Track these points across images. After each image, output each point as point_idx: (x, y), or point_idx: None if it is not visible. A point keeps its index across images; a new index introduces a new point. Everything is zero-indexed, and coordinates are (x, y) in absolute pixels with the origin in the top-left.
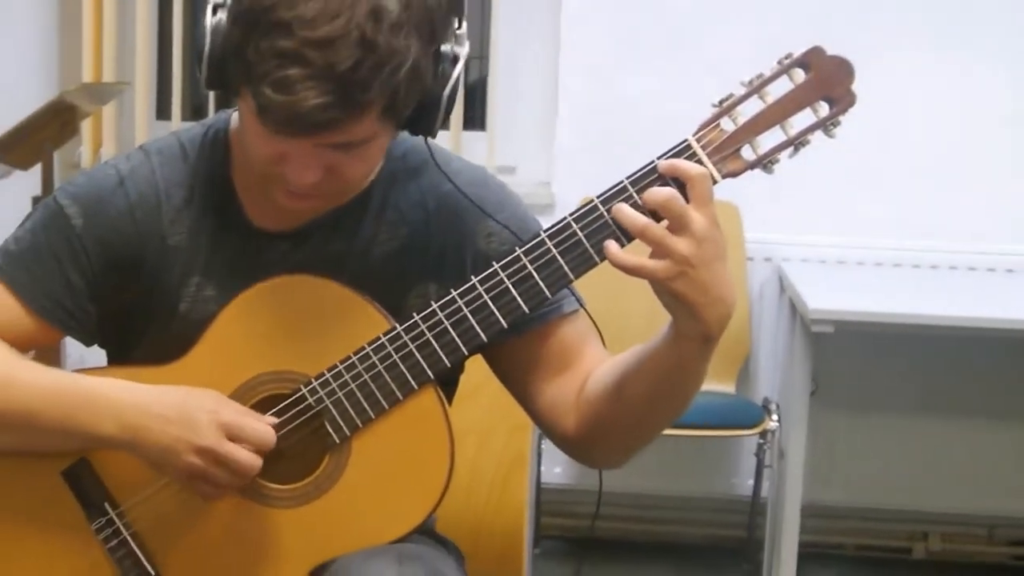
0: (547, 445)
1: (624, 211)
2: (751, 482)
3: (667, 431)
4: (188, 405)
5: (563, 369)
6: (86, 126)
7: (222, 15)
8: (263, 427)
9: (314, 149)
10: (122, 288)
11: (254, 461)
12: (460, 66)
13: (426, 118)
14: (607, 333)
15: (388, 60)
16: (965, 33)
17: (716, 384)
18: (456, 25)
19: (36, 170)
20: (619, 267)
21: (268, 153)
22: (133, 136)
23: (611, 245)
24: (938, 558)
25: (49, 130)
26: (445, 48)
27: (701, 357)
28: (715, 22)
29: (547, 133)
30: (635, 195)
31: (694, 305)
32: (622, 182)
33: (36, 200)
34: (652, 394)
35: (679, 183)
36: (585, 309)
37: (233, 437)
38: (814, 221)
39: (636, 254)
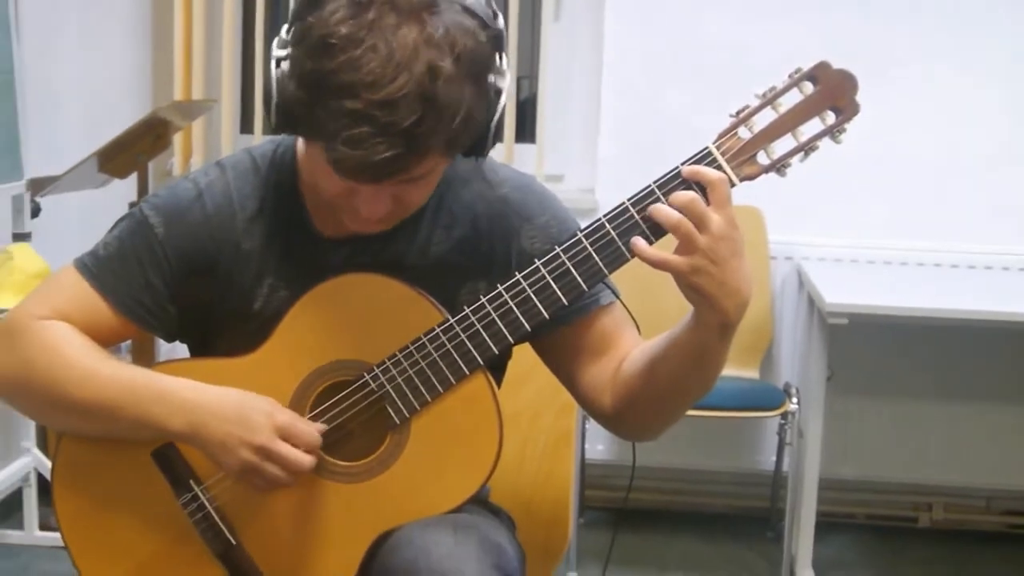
0: (590, 424)
1: (661, 209)
2: (773, 458)
3: (698, 412)
4: (245, 407)
5: (601, 354)
6: (177, 139)
7: (284, 67)
8: (311, 430)
9: (382, 187)
10: (199, 289)
11: (303, 459)
12: (504, 97)
13: (478, 145)
14: (643, 322)
15: (446, 111)
16: (965, 51)
17: (742, 370)
18: (498, 61)
19: (132, 179)
20: (646, 260)
21: (339, 190)
22: (219, 148)
23: (639, 241)
24: (941, 526)
25: (144, 143)
26: (491, 81)
27: (721, 342)
28: (736, 46)
29: (590, 145)
30: (661, 197)
31: (712, 297)
32: (650, 186)
33: (131, 205)
34: (678, 374)
35: (701, 187)
36: (621, 300)
37: (286, 437)
38: (830, 224)
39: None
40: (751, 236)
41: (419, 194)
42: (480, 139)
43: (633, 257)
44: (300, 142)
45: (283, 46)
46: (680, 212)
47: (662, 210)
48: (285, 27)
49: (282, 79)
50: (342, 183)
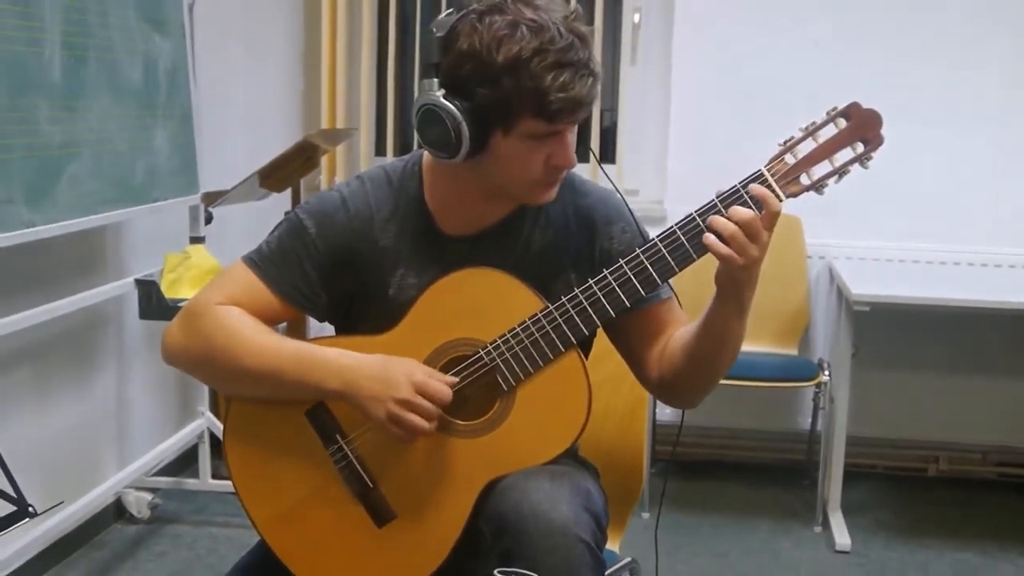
0: None
1: (719, 221)
2: (809, 420)
3: (747, 382)
4: (389, 368)
5: (657, 336)
6: (324, 160)
7: (451, 99)
8: (444, 386)
9: (571, 132)
10: (344, 278)
11: (442, 400)
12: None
13: None
14: (689, 305)
15: (589, 40)
16: (970, 81)
17: (783, 348)
18: None
19: (287, 192)
20: (714, 252)
21: (539, 159)
22: (358, 167)
23: (709, 237)
24: (946, 475)
25: (296, 163)
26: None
27: (739, 320)
28: (779, 83)
29: (661, 165)
30: (722, 210)
31: (742, 288)
32: (713, 200)
33: (287, 213)
34: (707, 351)
35: (757, 203)
36: (676, 296)
37: (422, 392)
38: (856, 230)
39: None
40: (792, 240)
41: (574, 145)
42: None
43: (699, 258)
44: (425, 154)
45: (438, 87)
46: (739, 224)
47: (720, 221)
48: (425, 80)
49: (462, 105)
50: (540, 151)
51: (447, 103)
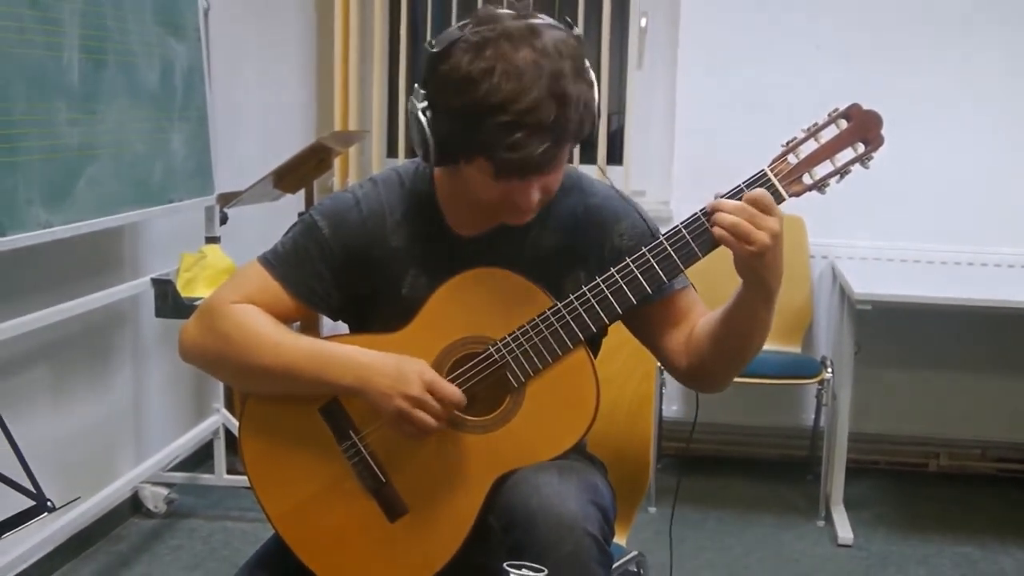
0: (666, 389)
1: (720, 214)
2: (812, 416)
3: (752, 379)
4: (402, 367)
5: (678, 325)
6: (337, 161)
7: (430, 115)
8: (453, 388)
9: (534, 181)
10: (357, 278)
11: (449, 403)
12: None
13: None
14: (709, 300)
15: (573, 103)
16: (966, 87)
17: (787, 346)
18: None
19: (300, 194)
20: (723, 242)
21: (496, 195)
22: (370, 168)
23: (717, 228)
24: (946, 471)
25: (309, 165)
26: (590, 72)
27: (766, 309)
28: (780, 87)
29: (667, 166)
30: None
31: (763, 276)
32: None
33: (300, 214)
34: (735, 337)
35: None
36: (692, 285)
37: (431, 391)
38: (858, 230)
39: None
40: (795, 240)
41: (557, 180)
42: (594, 121)
43: (704, 255)
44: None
45: (423, 99)
46: (737, 212)
47: (720, 214)
48: (418, 85)
49: (434, 124)
50: (499, 189)
51: (422, 117)
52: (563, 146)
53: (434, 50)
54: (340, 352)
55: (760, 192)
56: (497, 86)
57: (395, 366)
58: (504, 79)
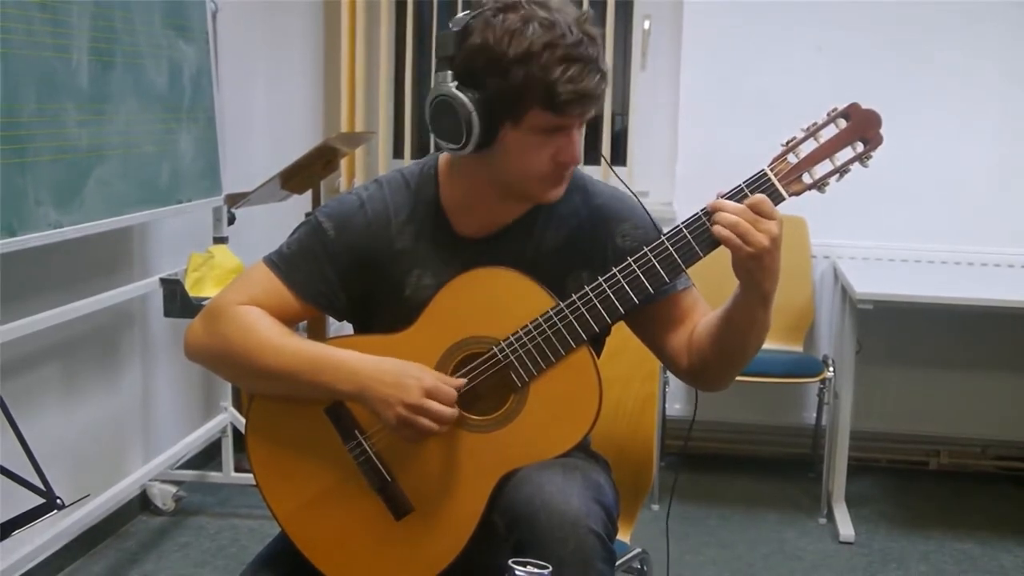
0: (669, 388)
1: (721, 213)
2: (814, 415)
3: (755, 378)
4: (401, 373)
5: (680, 325)
6: (343, 162)
7: (464, 91)
8: (450, 390)
9: (578, 129)
10: (362, 279)
11: (447, 413)
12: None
13: None
14: (710, 300)
15: (599, 40)
16: (969, 97)
17: (789, 345)
18: None
19: (307, 194)
20: (723, 240)
21: (547, 154)
22: (377, 169)
23: (717, 226)
24: (946, 469)
25: (316, 166)
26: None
27: (763, 310)
28: (781, 89)
29: (669, 168)
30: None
31: (760, 278)
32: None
33: (307, 215)
34: (735, 336)
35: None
36: (694, 285)
37: (432, 396)
38: (859, 230)
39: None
40: (797, 240)
41: (581, 143)
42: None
43: (705, 255)
44: (441, 158)
45: (454, 79)
46: (739, 212)
47: (722, 213)
48: (438, 73)
49: (474, 96)
50: (548, 146)
51: (459, 94)
52: (604, 80)
53: (456, 29)
54: (341, 358)
55: (761, 197)
56: (540, 31)
57: (395, 373)
58: (542, 26)
